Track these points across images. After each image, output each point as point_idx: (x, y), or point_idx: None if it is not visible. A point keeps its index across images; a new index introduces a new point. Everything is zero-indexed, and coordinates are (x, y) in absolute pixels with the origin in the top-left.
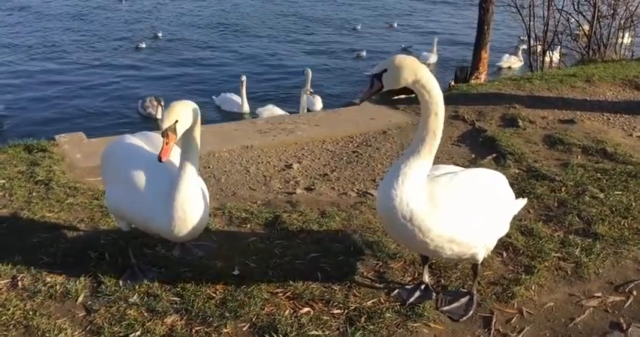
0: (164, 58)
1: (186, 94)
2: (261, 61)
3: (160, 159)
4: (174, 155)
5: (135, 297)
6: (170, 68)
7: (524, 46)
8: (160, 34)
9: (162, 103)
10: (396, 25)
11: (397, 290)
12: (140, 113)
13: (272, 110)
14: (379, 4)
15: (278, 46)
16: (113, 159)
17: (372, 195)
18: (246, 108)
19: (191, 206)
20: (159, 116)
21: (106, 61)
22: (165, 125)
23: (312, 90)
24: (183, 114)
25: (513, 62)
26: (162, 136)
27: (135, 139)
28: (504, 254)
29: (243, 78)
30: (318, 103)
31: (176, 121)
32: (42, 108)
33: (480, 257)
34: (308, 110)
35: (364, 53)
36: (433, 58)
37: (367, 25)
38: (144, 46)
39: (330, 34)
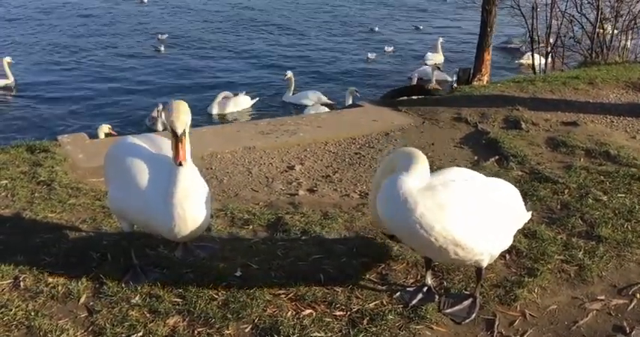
0: (179, 63)
1: (198, 101)
2: (273, 62)
3: (180, 164)
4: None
5: (137, 298)
6: (185, 73)
7: (529, 48)
8: (178, 38)
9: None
10: (421, 27)
11: (400, 293)
12: (146, 124)
13: (318, 108)
14: (401, 5)
15: (294, 49)
16: (115, 160)
17: None
18: (214, 110)
19: (190, 203)
20: (159, 127)
21: (119, 63)
22: (181, 129)
23: (357, 90)
24: (189, 114)
25: (535, 60)
26: (175, 137)
27: (137, 140)
28: (507, 256)
29: (225, 94)
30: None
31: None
32: (46, 108)
33: (485, 264)
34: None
35: (374, 55)
36: (439, 58)
37: (385, 27)
38: (162, 48)
39: (344, 36)
